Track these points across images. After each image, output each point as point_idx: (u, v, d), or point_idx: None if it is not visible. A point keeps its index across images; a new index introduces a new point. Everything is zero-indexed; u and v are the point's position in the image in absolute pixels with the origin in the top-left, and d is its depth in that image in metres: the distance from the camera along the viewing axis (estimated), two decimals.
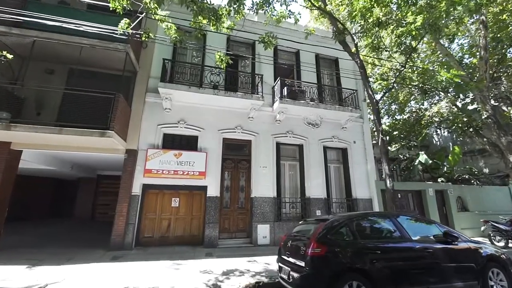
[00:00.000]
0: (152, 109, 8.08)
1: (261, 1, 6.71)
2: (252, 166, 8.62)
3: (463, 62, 14.04)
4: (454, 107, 12.78)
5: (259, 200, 8.26)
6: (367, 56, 8.50)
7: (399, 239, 3.72)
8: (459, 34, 12.97)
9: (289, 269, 3.68)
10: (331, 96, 10.17)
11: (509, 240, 8.31)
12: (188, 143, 8.24)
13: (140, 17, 6.14)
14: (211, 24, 6.02)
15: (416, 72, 9.88)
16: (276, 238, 7.95)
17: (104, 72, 8.13)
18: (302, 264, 3.41)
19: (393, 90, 11.16)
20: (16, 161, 7.17)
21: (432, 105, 13.70)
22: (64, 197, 14.05)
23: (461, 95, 13.34)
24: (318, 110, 9.27)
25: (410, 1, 7.09)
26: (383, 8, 7.54)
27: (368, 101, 11.64)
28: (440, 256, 3.71)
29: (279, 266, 4.14)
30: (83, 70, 7.99)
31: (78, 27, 6.36)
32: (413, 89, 12.92)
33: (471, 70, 13.10)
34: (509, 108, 12.75)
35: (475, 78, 11.97)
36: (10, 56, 5.62)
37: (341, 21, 7.95)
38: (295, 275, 3.48)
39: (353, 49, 7.71)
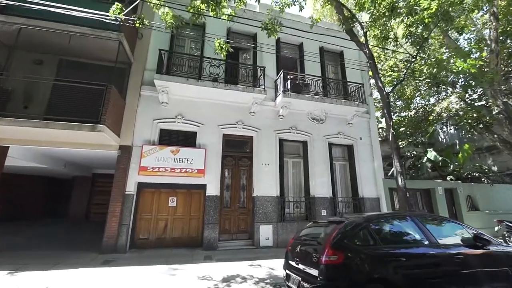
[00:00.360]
0: (148, 103, 7.61)
1: None
2: (253, 164, 8.16)
3: (471, 57, 13.60)
4: (462, 102, 12.30)
5: (261, 199, 7.80)
6: (376, 46, 8.01)
7: (425, 243, 3.26)
8: (467, 27, 12.55)
9: (299, 278, 3.22)
10: (337, 90, 9.69)
11: None
12: (186, 139, 7.77)
13: (135, 3, 5.70)
14: (210, 9, 5.57)
15: (427, 64, 9.38)
16: (280, 240, 7.50)
17: (96, 63, 7.64)
18: (315, 273, 2.96)
19: (403, 82, 10.65)
20: (2, 157, 6.72)
21: (440, 101, 13.21)
22: (59, 196, 13.59)
23: (469, 91, 12.86)
24: (323, 105, 8.80)
25: None
26: None
27: (374, 96, 11.17)
28: (472, 263, 3.26)
29: (287, 274, 3.68)
30: (74, 61, 7.55)
31: (67, 11, 5.86)
32: (420, 83, 12.45)
33: (477, 66, 12.65)
34: None
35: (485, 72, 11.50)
36: None
37: (349, 9, 7.44)
38: (307, 286, 3.02)
39: (362, 39, 7.23)
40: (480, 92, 12.98)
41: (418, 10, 6.52)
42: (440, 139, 16.90)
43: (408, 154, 13.21)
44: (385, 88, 7.21)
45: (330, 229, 3.29)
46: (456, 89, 12.72)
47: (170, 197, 7.32)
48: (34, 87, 6.72)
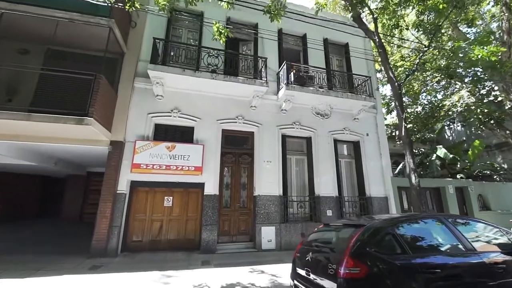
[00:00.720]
0: (141, 96, 7.11)
1: None
2: (255, 161, 7.66)
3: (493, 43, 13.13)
4: (473, 97, 11.79)
5: (263, 198, 7.30)
6: (387, 35, 7.49)
7: (461, 251, 2.76)
8: (476, 19, 12.08)
9: None
10: (342, 84, 9.17)
11: None
12: (183, 135, 7.27)
13: None
14: None
15: (442, 53, 8.86)
16: (283, 242, 7.01)
17: (87, 53, 7.14)
18: (332, 286, 2.47)
19: (413, 74, 10.14)
20: None
21: (449, 96, 12.68)
22: (52, 196, 13.09)
23: (478, 85, 12.33)
24: (328, 98, 8.29)
25: None
26: None
27: (385, 88, 10.60)
28: None
29: (295, 285, 3.19)
30: (62, 51, 7.04)
31: None
32: (428, 77, 11.93)
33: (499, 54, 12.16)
34: None
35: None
36: None
37: None
38: None
39: (371, 25, 6.73)
40: (489, 87, 12.47)
41: None
42: (446, 136, 16.38)
43: (416, 151, 12.69)
44: (397, 79, 6.69)
45: (347, 234, 2.78)
46: (466, 84, 12.19)
47: (166, 196, 6.82)
48: (19, 78, 6.21)
